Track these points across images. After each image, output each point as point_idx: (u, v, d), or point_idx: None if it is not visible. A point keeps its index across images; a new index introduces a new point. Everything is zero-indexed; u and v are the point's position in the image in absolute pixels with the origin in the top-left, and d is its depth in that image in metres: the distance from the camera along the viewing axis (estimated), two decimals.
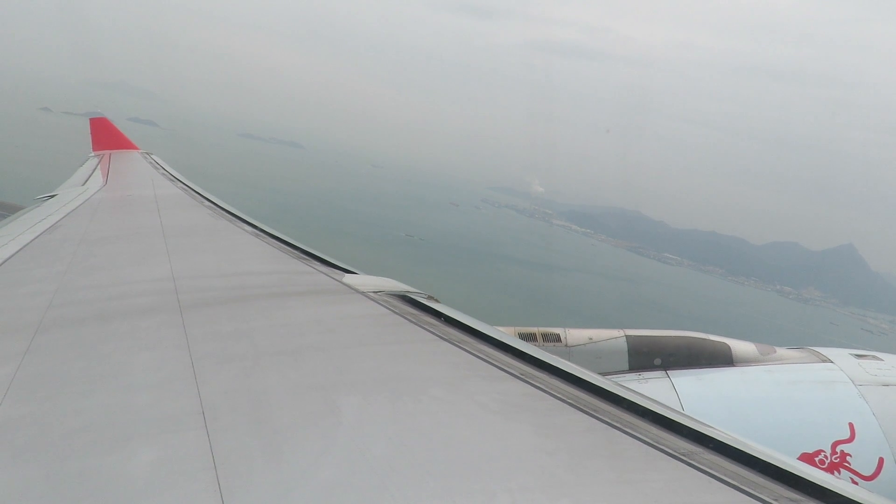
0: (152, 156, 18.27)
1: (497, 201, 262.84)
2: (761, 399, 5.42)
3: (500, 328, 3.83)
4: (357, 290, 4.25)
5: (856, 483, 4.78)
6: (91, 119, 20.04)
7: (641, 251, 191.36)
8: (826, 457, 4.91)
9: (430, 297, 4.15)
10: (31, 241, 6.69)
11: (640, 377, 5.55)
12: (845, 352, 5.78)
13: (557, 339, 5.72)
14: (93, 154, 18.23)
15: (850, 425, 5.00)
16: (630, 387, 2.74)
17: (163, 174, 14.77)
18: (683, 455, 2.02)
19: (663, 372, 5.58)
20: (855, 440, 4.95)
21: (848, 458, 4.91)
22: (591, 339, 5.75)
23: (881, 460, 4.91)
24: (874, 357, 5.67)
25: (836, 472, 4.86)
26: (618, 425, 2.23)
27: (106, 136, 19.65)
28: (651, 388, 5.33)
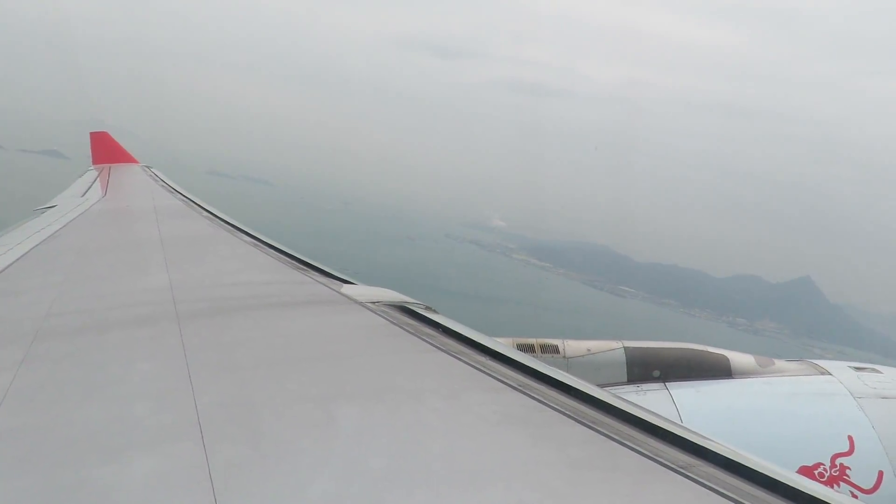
0: (152, 169, 18.24)
1: (463, 236, 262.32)
2: (760, 411, 5.38)
3: (499, 339, 3.84)
4: (355, 301, 4.25)
5: (855, 496, 4.75)
6: (91, 133, 20.06)
7: (597, 284, 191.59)
8: (825, 470, 4.85)
9: (428, 308, 4.15)
10: (29, 251, 6.66)
11: (639, 389, 5.50)
12: (844, 364, 5.72)
13: (556, 350, 5.68)
14: (92, 167, 18.15)
15: (850, 438, 4.94)
16: (628, 399, 2.70)
17: (162, 186, 14.69)
18: (682, 467, 2.00)
19: (662, 384, 5.53)
20: (854, 453, 4.89)
21: (847, 471, 4.86)
22: (589, 350, 5.71)
23: (881, 473, 4.85)
24: (873, 370, 5.61)
25: (835, 486, 4.81)
26: (616, 437, 2.21)
27: (106, 150, 19.63)
28: (649, 400, 5.25)
